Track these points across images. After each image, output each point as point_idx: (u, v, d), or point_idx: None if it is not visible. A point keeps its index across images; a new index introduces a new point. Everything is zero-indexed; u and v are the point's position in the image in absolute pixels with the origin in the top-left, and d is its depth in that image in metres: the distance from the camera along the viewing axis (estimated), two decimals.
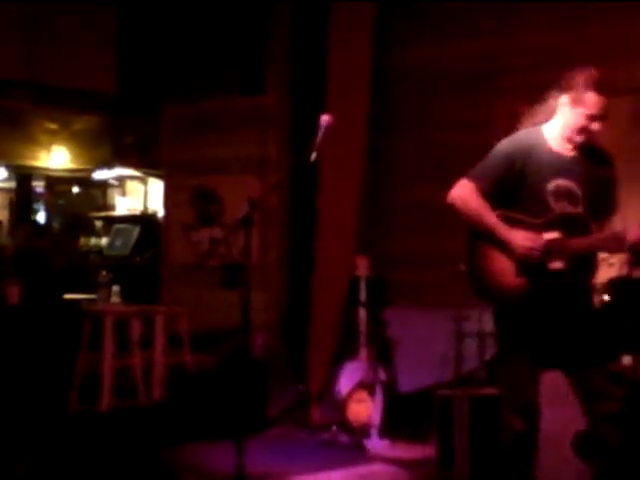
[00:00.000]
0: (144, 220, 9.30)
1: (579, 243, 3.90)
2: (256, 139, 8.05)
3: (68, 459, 5.81)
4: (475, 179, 4.03)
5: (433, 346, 6.74)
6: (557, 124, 4.03)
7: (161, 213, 9.07)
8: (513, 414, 4.04)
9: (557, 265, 3.90)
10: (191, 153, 8.57)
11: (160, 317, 7.48)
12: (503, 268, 3.96)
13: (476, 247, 4.05)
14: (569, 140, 4.00)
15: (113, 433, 6.49)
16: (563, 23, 6.66)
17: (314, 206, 7.38)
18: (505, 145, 4.07)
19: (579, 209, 3.95)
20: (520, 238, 3.92)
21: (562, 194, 3.95)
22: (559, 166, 3.99)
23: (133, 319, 7.28)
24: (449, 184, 4.06)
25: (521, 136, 4.09)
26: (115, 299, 7.59)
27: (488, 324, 6.07)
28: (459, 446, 5.39)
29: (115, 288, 7.64)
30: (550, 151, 4.02)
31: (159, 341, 7.43)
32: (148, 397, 7.23)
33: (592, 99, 3.90)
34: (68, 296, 8.27)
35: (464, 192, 4.03)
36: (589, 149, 4.04)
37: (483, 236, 4.01)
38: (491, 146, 4.10)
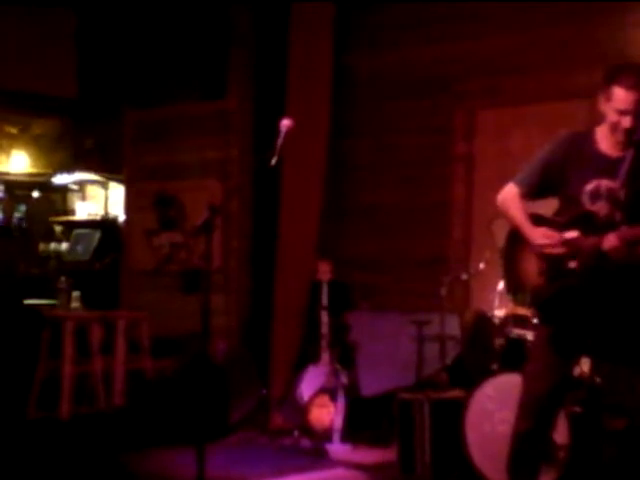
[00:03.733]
0: (105, 225, 9.22)
1: (591, 243, 3.81)
2: (218, 144, 8.02)
3: (28, 466, 5.75)
4: (517, 183, 4.04)
5: (395, 350, 6.77)
6: (605, 124, 3.90)
7: (122, 218, 9.01)
8: (520, 411, 4.02)
9: (573, 264, 3.85)
10: (152, 157, 8.52)
11: (121, 323, 7.42)
12: (531, 268, 3.95)
13: (514, 249, 4.05)
14: (615, 139, 3.86)
15: (73, 439, 6.45)
16: (522, 28, 6.71)
17: (276, 210, 7.38)
18: (544, 148, 4.02)
19: (617, 210, 3.82)
20: (538, 234, 3.90)
21: (601, 195, 3.84)
22: (603, 166, 3.86)
23: (93, 325, 7.23)
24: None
25: (564, 138, 4.00)
26: (75, 305, 7.52)
27: (449, 328, 6.16)
28: (420, 450, 5.41)
29: (75, 294, 7.57)
30: (596, 151, 3.91)
31: (120, 347, 7.37)
32: (108, 403, 7.17)
33: (617, 93, 3.77)
34: (28, 302, 8.20)
35: (506, 195, 4.06)
36: None
37: (521, 238, 4.00)
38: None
